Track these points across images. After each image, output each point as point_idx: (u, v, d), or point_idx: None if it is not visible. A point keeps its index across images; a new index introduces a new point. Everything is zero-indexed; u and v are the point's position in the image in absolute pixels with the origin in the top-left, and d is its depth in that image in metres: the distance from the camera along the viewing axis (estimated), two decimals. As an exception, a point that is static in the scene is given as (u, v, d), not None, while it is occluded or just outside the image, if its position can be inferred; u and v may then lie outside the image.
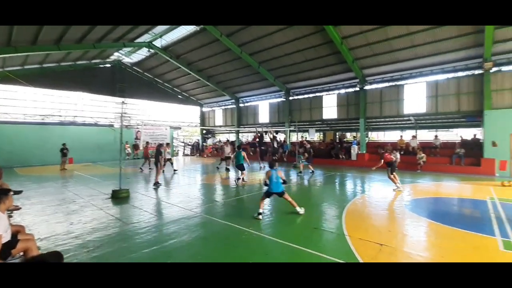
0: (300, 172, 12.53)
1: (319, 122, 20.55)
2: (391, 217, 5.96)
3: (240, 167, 10.34)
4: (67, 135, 17.84)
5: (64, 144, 15.31)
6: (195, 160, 21.65)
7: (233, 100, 25.24)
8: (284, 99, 21.25)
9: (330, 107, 19.17)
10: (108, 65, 22.19)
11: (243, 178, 10.19)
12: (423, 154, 13.97)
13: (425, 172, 13.16)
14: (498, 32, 11.24)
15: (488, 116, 12.46)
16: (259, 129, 19.98)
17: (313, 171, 12.82)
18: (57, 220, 5.65)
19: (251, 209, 6.16)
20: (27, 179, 11.36)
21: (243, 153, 10.51)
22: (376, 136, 24.40)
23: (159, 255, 3.97)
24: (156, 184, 9.48)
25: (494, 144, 12.13)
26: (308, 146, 18.00)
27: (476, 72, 13.25)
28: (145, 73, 24.56)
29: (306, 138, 21.22)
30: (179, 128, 29.08)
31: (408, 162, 14.07)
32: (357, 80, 16.85)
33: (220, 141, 28.77)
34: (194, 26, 16.41)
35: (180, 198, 7.85)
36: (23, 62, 16.80)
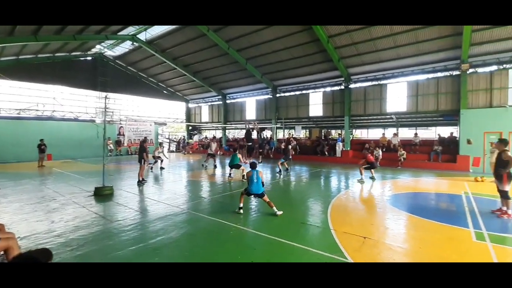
0: (287, 169, 12.60)
1: (305, 119, 20.83)
2: (374, 211, 6.19)
3: (235, 167, 10.46)
4: (45, 131, 17.07)
5: (41, 140, 14.67)
6: (181, 157, 21.36)
7: (219, 96, 25.05)
8: (271, 96, 21.34)
9: (316, 105, 19.48)
10: (89, 58, 21.36)
11: (243, 176, 10.20)
12: (403, 151, 14.53)
13: (405, 168, 13.71)
14: (475, 35, 11.81)
15: (464, 115, 13.14)
16: (249, 125, 20.00)
17: (287, 169, 12.50)
18: (37, 219, 5.44)
19: (237, 205, 6.19)
20: (2, 177, 10.80)
21: (239, 155, 10.60)
22: (360, 134, 25.03)
23: (147, 252, 3.93)
24: (141, 181, 9.31)
25: (469, 142, 12.79)
26: (294, 143, 18.25)
27: (454, 73, 13.89)
28: (129, 67, 23.86)
29: (292, 135, 21.45)
30: (164, 124, 28.57)
31: (390, 158, 14.59)
32: (343, 79, 17.20)
33: (206, 137, 28.54)
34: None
35: (166, 195, 7.76)
36: (-3, 53, 15.89)
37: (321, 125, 22.53)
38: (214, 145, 13.76)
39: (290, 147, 14.23)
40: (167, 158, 13.26)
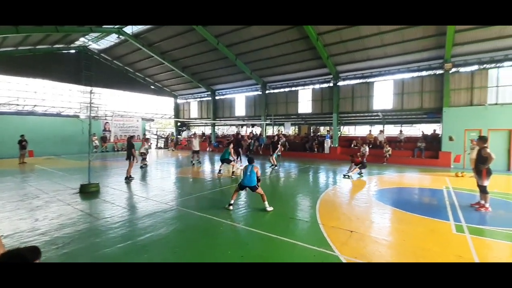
0: (275, 166, 12.61)
1: (294, 116, 20.98)
2: (360, 206, 6.36)
3: (226, 161, 10.38)
4: (26, 126, 16.42)
5: (22, 136, 14.10)
6: (168, 154, 21.09)
7: (209, 92, 24.81)
8: (261, 93, 21.33)
9: (305, 102, 19.64)
10: (73, 51, 20.59)
11: (233, 172, 10.25)
12: (389, 148, 14.93)
13: (391, 164, 14.10)
14: (457, 36, 12.21)
15: (446, 113, 13.62)
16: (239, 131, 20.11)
17: (275, 166, 12.47)
18: (20, 217, 5.27)
19: (228, 201, 6.21)
20: (-20, 174, 10.35)
21: (230, 149, 10.50)
22: (348, 131, 25.45)
23: (135, 249, 3.90)
24: (129, 178, 9.15)
25: (450, 138, 13.31)
26: (283, 139, 18.38)
27: (438, 72, 14.33)
28: (115, 61, 23.18)
29: (281, 131, 21.58)
30: (152, 120, 28.02)
31: (376, 155, 14.96)
32: (331, 76, 17.40)
33: (194, 133, 28.24)
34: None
35: (154, 191, 7.67)
36: (-27, 44, 15.08)
37: (310, 121, 22.76)
38: (194, 141, 13.43)
39: (280, 143, 14.27)
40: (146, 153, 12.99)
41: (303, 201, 6.80)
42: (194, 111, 27.45)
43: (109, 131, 20.72)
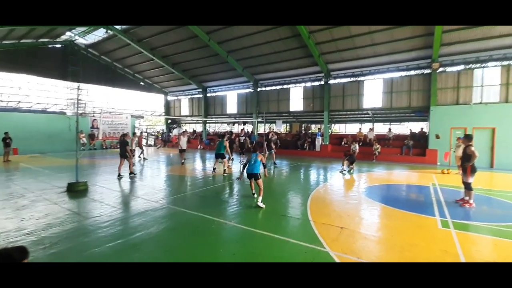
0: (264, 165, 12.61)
1: (286, 114, 21.06)
2: (350, 203, 6.47)
3: (220, 156, 10.18)
4: (10, 123, 15.88)
5: (6, 133, 13.66)
6: (158, 151, 20.84)
7: (200, 90, 24.58)
8: (252, 90, 21.29)
9: (296, 100, 19.73)
10: (59, 46, 19.97)
11: (224, 170, 10.12)
12: (378, 146, 15.21)
13: (380, 162, 14.38)
14: (445, 36, 12.50)
15: (434, 111, 13.97)
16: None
17: (265, 165, 12.65)
18: (5, 216, 5.11)
19: (219, 199, 6.22)
20: (-39, 172, 9.96)
21: (225, 143, 10.33)
22: (338, 129, 25.76)
23: (125, 248, 3.85)
24: (119, 176, 9.02)
25: (437, 136, 13.67)
26: (275, 137, 18.44)
27: (426, 71, 14.66)
28: (102, 57, 22.64)
29: (273, 129, 21.64)
30: (142, 117, 27.60)
31: (366, 152, 15.21)
32: (322, 74, 17.54)
33: (185, 131, 27.97)
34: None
35: (144, 190, 7.57)
36: (-50, 36, 14.41)
37: (302, 119, 22.91)
38: (182, 139, 12.99)
39: (272, 141, 14.31)
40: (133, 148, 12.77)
41: (294, 199, 6.86)
42: (185, 108, 27.15)
43: (97, 128, 20.35)
